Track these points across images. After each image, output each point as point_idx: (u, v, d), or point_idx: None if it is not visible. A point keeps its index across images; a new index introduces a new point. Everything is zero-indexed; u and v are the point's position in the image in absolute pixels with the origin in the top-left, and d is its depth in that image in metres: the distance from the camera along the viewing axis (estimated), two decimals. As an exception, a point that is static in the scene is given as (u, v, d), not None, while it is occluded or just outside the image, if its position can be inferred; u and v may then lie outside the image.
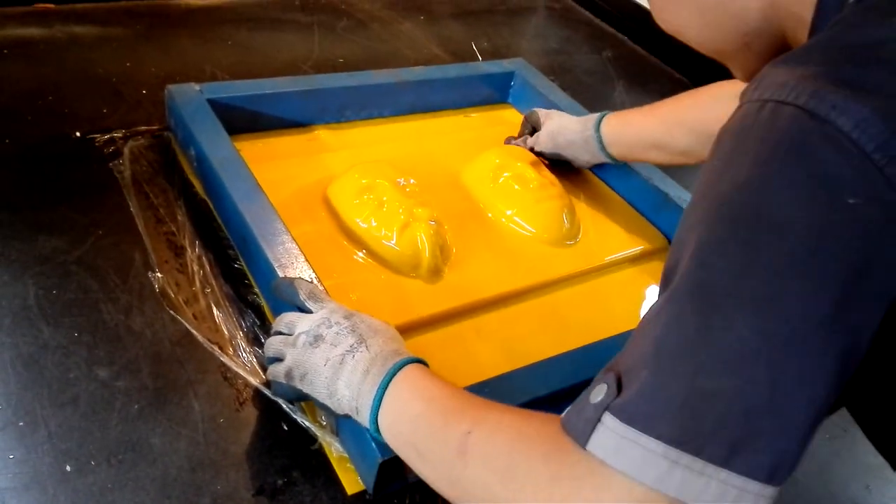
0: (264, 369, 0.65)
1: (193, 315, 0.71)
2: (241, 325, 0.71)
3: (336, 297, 0.65)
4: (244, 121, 0.93)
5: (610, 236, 0.95)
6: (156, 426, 0.61)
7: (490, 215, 0.93)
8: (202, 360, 0.68)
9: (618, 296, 0.88)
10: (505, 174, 0.93)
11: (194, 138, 0.83)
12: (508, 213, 0.92)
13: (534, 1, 1.58)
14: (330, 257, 0.80)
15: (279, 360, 0.61)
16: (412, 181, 0.88)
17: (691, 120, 0.86)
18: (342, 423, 0.62)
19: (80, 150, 0.87)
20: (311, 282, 0.66)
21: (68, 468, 0.57)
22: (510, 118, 1.14)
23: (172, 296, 0.72)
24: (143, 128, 0.91)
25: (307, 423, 0.64)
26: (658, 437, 0.39)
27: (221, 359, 0.68)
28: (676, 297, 0.41)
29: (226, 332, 0.71)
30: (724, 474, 0.38)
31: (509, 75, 1.15)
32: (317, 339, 0.58)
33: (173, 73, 1.04)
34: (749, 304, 0.39)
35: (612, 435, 0.40)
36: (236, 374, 0.67)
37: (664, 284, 0.44)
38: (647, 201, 0.98)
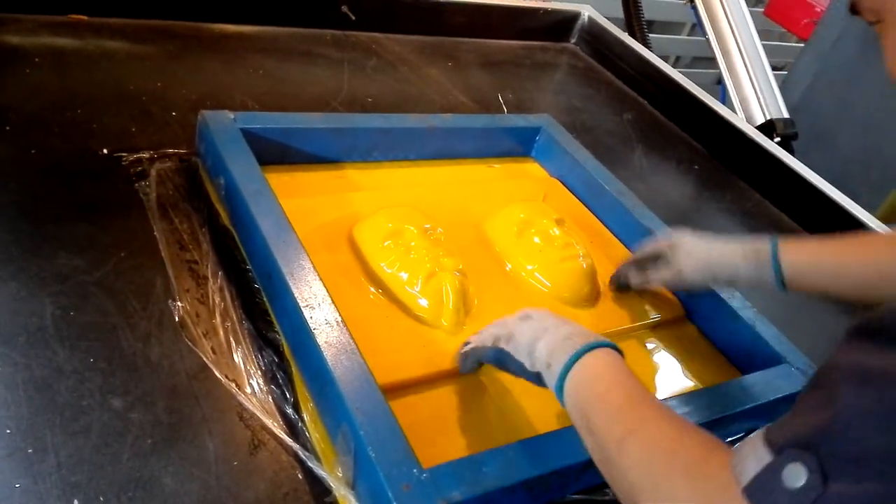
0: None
1: (212, 349, 0.69)
2: (258, 363, 0.70)
3: (352, 327, 0.68)
4: (273, 152, 0.92)
5: (628, 302, 0.94)
6: (168, 464, 0.59)
7: (509, 267, 0.92)
8: (219, 397, 0.66)
9: (631, 363, 0.87)
10: (531, 230, 0.92)
11: (225, 167, 0.82)
12: (529, 268, 0.91)
13: (557, 58, 1.60)
14: (346, 293, 0.79)
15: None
16: (439, 229, 0.87)
17: None
18: (359, 477, 0.60)
19: (107, 167, 0.86)
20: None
21: (76, 502, 0.54)
22: (532, 172, 1.14)
23: (192, 327, 0.70)
24: (172, 150, 0.90)
25: (323, 473, 0.62)
26: None
27: (238, 398, 0.66)
28: None
29: (243, 370, 0.69)
30: None
31: (535, 130, 1.16)
32: (526, 317, 0.67)
33: (204, 97, 1.04)
34: None
35: None
36: (252, 414, 0.65)
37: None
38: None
